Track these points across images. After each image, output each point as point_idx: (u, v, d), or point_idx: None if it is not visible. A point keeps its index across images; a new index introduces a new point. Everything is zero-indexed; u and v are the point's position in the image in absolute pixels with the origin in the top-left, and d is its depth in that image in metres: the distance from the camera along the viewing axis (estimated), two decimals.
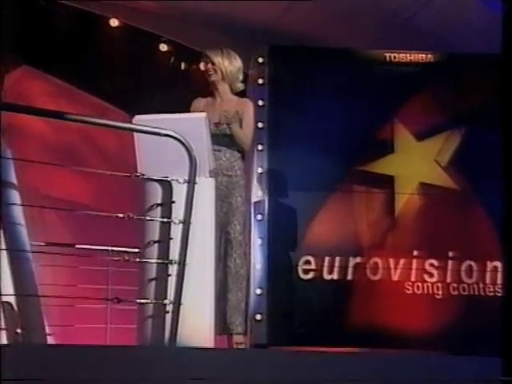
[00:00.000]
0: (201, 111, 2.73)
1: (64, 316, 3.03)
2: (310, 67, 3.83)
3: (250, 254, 2.74)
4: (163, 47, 4.49)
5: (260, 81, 3.83)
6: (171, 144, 2.15)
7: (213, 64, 2.81)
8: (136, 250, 2.30)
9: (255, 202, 3.81)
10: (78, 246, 2.71)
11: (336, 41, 3.96)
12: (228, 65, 2.80)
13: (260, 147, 3.82)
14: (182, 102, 4.20)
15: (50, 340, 2.71)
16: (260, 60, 3.87)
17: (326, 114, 3.80)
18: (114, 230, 2.63)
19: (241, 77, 2.86)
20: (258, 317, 3.64)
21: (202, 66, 2.87)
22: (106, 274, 2.67)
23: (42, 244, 2.51)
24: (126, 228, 2.37)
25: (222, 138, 2.73)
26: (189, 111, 2.82)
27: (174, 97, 4.27)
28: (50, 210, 3.68)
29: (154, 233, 2.24)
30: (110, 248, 2.56)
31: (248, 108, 2.80)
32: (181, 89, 4.35)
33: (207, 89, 2.89)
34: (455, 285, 3.75)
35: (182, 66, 4.60)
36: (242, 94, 2.96)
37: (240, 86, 2.87)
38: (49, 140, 4.27)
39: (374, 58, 3.93)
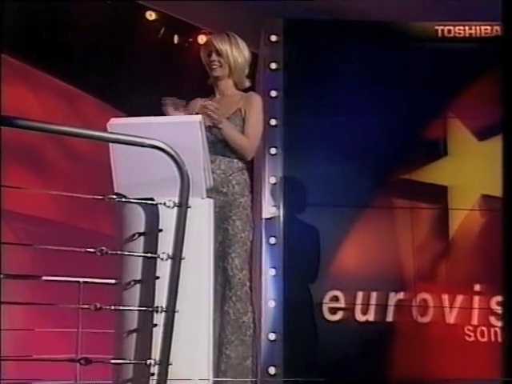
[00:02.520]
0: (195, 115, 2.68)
1: (22, 368, 3.05)
2: (337, 47, 3.82)
3: (254, 292, 2.65)
4: (149, 19, 4.50)
5: (273, 65, 3.83)
6: (157, 156, 2.15)
7: (218, 55, 2.73)
8: (113, 281, 2.31)
9: (267, 221, 3.80)
10: (41, 277, 2.73)
11: (371, 12, 3.92)
12: (237, 56, 2.73)
13: (273, 151, 3.81)
14: (170, 86, 4.20)
15: None
16: (273, 38, 3.87)
17: (359, 108, 3.79)
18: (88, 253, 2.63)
19: (247, 71, 2.79)
20: (272, 370, 3.63)
21: (202, 55, 2.77)
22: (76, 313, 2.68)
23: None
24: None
25: (217, 145, 2.66)
26: (179, 104, 2.77)
27: (161, 80, 4.28)
28: (8, 229, 3.70)
29: (136, 271, 2.21)
30: (81, 280, 2.58)
31: (253, 103, 2.72)
32: (171, 71, 4.35)
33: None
34: None
35: (174, 42, 4.61)
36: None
37: (246, 83, 2.80)
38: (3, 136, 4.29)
39: (421, 33, 3.91)
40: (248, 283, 2.64)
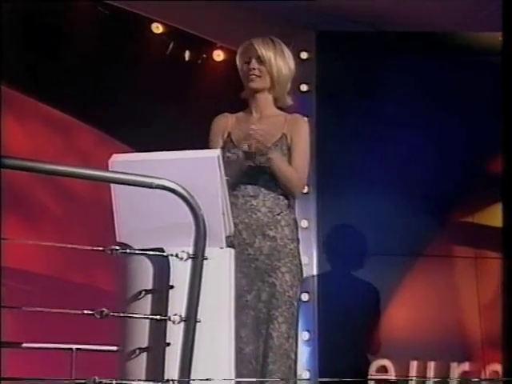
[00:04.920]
0: (226, 135, 2.68)
1: None
2: (380, 64, 3.88)
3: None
4: (156, 32, 4.56)
5: (303, 87, 3.91)
6: (168, 199, 2.20)
7: (260, 62, 2.71)
8: (115, 348, 2.35)
9: None
10: (29, 345, 2.80)
11: (422, 21, 3.97)
12: (282, 66, 2.72)
13: (305, 189, 3.86)
14: (180, 111, 4.25)
15: None
16: (303, 55, 3.96)
17: (408, 137, 3.84)
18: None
19: (289, 86, 2.80)
20: None
21: (239, 62, 2.75)
22: None
23: None
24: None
25: (260, 176, 2.64)
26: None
27: (170, 104, 4.37)
28: None
29: (142, 336, 2.24)
30: (74, 346, 2.63)
31: (300, 128, 2.73)
32: (182, 92, 4.43)
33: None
34: None
35: (185, 58, 4.68)
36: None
37: (288, 101, 2.80)
38: None
39: (483, 46, 3.97)
40: (293, 356, 2.58)
